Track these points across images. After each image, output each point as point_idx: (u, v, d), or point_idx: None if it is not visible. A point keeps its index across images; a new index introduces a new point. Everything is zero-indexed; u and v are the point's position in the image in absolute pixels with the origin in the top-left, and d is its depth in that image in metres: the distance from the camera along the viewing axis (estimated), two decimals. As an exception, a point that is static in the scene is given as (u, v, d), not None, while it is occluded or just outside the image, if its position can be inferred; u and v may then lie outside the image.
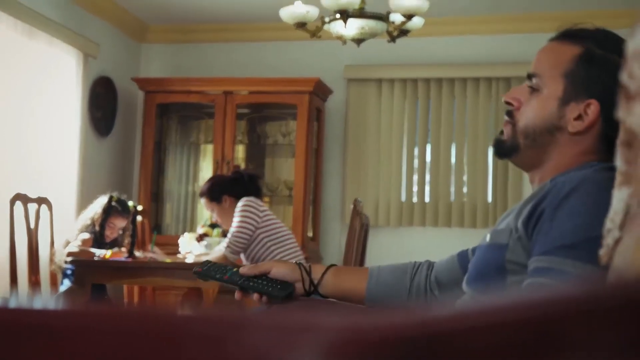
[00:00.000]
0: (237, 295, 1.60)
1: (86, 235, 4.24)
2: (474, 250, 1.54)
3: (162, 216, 5.85)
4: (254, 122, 5.86)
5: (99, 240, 4.27)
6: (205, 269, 1.65)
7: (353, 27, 3.86)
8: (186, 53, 6.03)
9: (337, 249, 5.62)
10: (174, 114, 5.92)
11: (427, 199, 5.55)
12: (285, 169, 5.76)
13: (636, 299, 0.40)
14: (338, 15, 3.82)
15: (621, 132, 0.70)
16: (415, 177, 5.59)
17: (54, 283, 4.28)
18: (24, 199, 4.02)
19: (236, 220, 3.88)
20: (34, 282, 3.98)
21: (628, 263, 0.68)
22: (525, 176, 1.58)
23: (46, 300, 0.43)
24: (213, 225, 4.45)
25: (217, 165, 5.51)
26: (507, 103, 1.45)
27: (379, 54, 5.48)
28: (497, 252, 1.33)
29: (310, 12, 3.88)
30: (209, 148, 5.79)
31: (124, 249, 4.08)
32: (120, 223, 4.37)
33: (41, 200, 4.19)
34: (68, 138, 5.01)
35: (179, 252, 4.43)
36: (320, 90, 5.52)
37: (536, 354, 0.38)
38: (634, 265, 0.66)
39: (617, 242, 0.72)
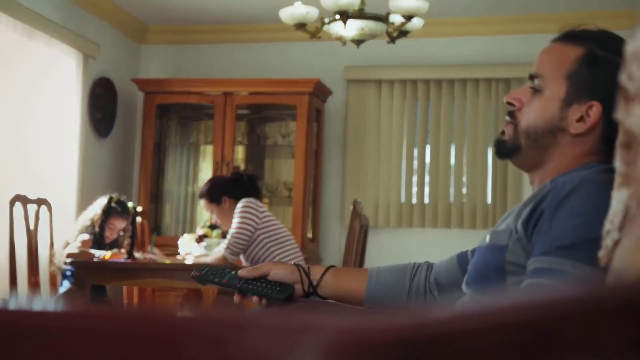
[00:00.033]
0: (237, 298, 1.59)
1: (86, 237, 4.24)
2: (473, 251, 1.54)
3: (161, 217, 5.84)
4: (254, 123, 5.85)
5: (98, 241, 4.27)
6: (203, 273, 1.63)
7: (353, 28, 3.86)
8: (186, 54, 6.03)
9: (337, 250, 5.62)
10: (174, 115, 5.92)
11: (426, 200, 5.54)
12: (285, 170, 5.76)
13: (635, 300, 0.40)
14: (338, 16, 3.82)
15: (620, 133, 0.70)
16: (415, 178, 5.59)
17: (54, 284, 4.28)
18: (24, 200, 4.02)
19: (236, 221, 3.88)
20: (34, 283, 3.98)
21: (627, 264, 0.68)
22: (525, 177, 1.58)
23: (46, 301, 0.43)
24: (213, 227, 4.45)
25: (216, 166, 5.51)
26: (509, 103, 1.45)
27: (378, 54, 5.48)
28: (496, 253, 1.32)
29: (309, 13, 3.88)
30: (209, 149, 5.79)
31: (123, 250, 4.08)
32: (119, 224, 4.37)
33: (41, 201, 4.19)
34: (68, 139, 5.00)
35: (179, 253, 4.42)
36: (319, 91, 5.52)
37: (536, 354, 0.38)
38: (633, 267, 0.66)
39: (616, 243, 0.72)
